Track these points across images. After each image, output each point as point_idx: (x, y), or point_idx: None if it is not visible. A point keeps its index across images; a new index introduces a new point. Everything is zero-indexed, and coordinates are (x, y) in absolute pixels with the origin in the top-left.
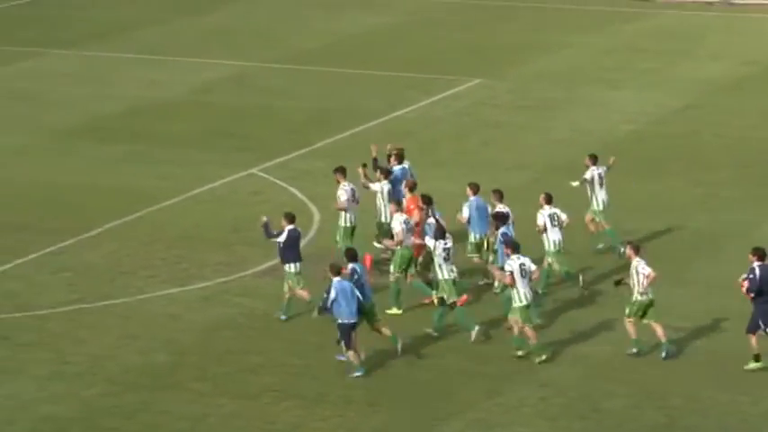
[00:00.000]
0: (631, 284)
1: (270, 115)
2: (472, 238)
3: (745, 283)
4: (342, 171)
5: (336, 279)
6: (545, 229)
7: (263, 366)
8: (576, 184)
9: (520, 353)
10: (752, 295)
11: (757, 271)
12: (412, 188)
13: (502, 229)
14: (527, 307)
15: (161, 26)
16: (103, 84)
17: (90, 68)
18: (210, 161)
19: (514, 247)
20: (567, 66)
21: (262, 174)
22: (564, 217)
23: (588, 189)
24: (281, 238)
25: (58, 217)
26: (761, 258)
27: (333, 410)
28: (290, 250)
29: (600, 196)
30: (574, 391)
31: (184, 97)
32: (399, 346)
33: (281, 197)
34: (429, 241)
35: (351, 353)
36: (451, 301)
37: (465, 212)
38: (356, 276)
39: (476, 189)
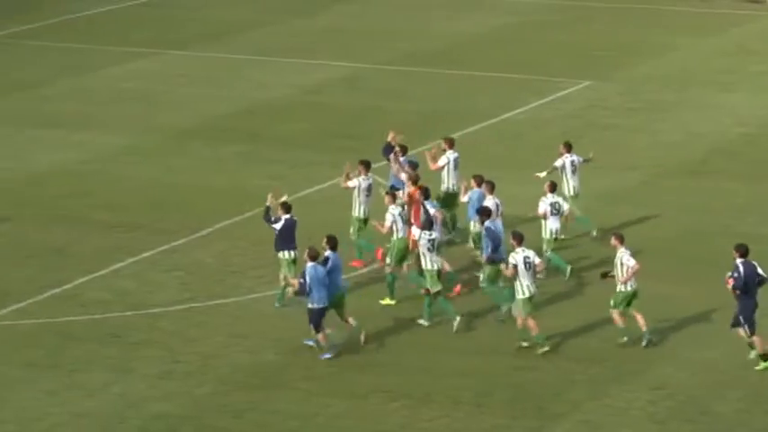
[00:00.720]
0: (616, 276)
1: (380, 116)
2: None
3: (731, 281)
4: (365, 164)
5: (310, 264)
6: (545, 217)
7: (371, 366)
8: (542, 174)
9: (525, 344)
10: (737, 292)
11: (741, 268)
12: (415, 181)
13: (486, 223)
14: (530, 299)
15: (273, 27)
16: (216, 84)
17: (203, 69)
18: (320, 162)
19: (520, 239)
20: (677, 68)
21: (371, 174)
22: (566, 207)
23: (562, 176)
24: (278, 226)
25: (170, 216)
26: (743, 255)
27: (440, 411)
28: (286, 238)
29: (572, 183)
30: (682, 394)
31: (296, 98)
32: (363, 337)
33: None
34: (415, 231)
35: (320, 335)
36: (435, 290)
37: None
38: (329, 264)
39: (479, 181)
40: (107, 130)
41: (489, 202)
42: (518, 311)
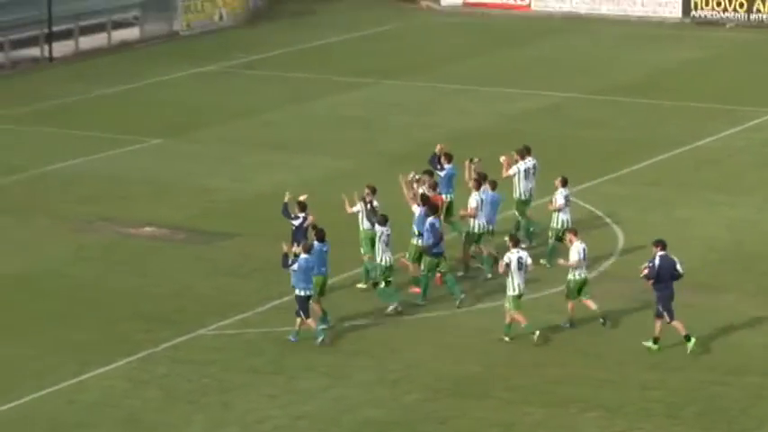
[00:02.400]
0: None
1: (581, 144)
2: (476, 228)
3: (645, 270)
4: (482, 180)
5: (304, 256)
6: (559, 209)
7: (566, 378)
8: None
9: (507, 339)
10: (651, 281)
11: (657, 260)
12: (434, 187)
13: (430, 219)
14: (519, 297)
15: (484, 58)
16: (426, 112)
17: (415, 97)
18: None
19: (515, 241)
20: None
21: (573, 198)
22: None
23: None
24: (296, 222)
25: None
26: (663, 248)
27: (632, 422)
28: (301, 236)
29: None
30: None
31: (499, 126)
32: (324, 337)
33: (589, 221)
34: (377, 228)
35: (310, 320)
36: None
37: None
38: (316, 253)
39: (493, 185)
40: (326, 154)
41: (560, 195)
42: (507, 308)
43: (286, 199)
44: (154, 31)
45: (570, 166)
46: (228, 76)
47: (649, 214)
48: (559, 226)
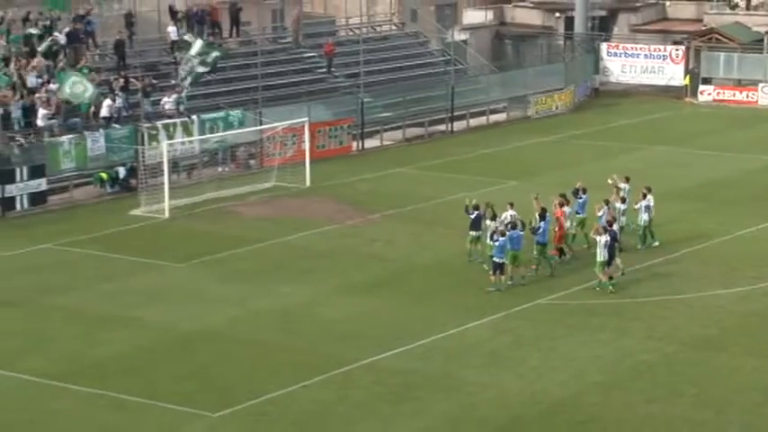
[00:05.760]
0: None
1: None
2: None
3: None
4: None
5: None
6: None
7: None
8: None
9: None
10: None
11: None
12: (562, 205)
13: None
14: (603, 263)
15: (724, 134)
16: (685, 167)
17: (678, 158)
18: None
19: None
20: None
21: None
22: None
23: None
24: (473, 216)
25: None
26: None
27: None
28: (475, 224)
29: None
30: None
31: (737, 177)
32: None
33: None
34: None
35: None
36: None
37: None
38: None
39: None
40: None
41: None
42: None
43: (467, 203)
44: (515, 116)
45: None
46: (559, 144)
47: None
48: (644, 224)
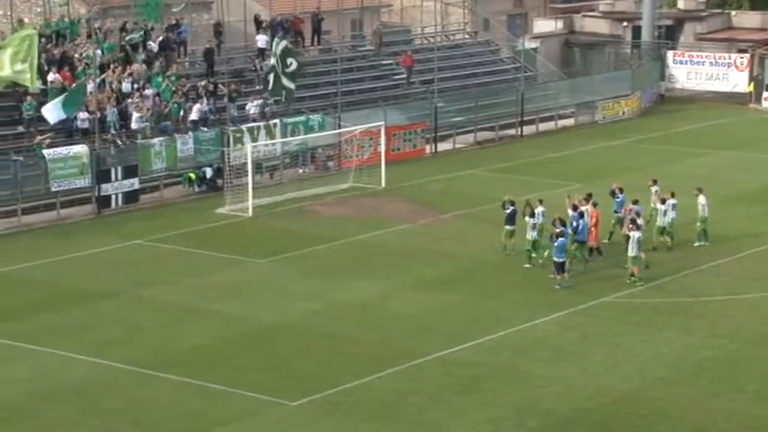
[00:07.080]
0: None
1: None
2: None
3: None
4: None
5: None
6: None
7: None
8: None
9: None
10: None
11: None
12: (595, 204)
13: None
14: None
15: None
16: (747, 170)
17: (739, 163)
18: None
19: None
20: None
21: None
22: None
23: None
24: (508, 211)
25: None
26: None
27: None
28: (511, 219)
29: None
30: None
31: None
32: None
33: None
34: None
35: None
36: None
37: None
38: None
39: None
40: (684, 195)
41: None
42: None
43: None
44: (583, 121)
45: None
46: (625, 148)
47: None
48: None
